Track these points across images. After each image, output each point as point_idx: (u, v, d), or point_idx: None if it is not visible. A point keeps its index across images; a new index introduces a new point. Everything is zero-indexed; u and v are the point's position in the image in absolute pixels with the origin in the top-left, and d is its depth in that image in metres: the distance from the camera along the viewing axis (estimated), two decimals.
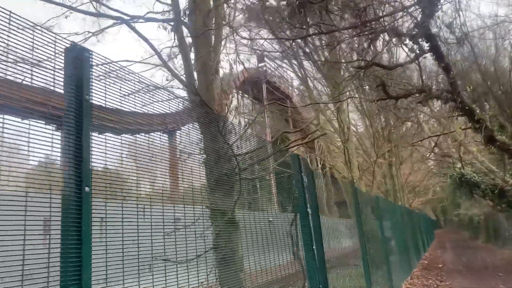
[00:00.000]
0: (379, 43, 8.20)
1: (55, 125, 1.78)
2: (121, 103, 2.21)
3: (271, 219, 4.55)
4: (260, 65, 37.89)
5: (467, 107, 6.47)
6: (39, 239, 1.57)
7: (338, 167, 14.78)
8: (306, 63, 16.45)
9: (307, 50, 13.75)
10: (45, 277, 1.47)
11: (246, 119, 38.16)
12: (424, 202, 39.80)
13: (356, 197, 6.81)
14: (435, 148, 17.83)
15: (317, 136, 13.37)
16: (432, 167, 25.51)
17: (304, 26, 7.21)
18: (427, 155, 21.26)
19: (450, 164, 18.83)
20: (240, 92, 36.31)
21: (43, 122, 1.72)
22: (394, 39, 6.78)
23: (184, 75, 5.80)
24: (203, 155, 5.00)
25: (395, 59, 14.42)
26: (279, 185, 4.50)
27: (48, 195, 1.56)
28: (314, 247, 3.69)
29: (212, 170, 4.86)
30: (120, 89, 2.17)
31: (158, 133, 3.31)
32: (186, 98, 5.70)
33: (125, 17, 6.70)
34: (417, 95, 6.80)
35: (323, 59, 14.95)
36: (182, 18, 6.28)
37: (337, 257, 5.50)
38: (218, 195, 4.75)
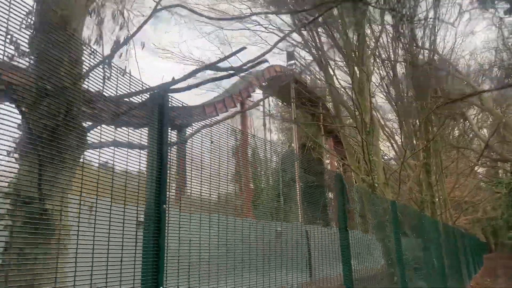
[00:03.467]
0: None
1: None
2: None
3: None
4: (289, 63, 35.42)
5: None
6: None
7: (358, 168, 11.88)
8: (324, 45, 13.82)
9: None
10: None
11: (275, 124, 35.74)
12: (472, 222, 35.01)
13: (342, 194, 4.13)
14: (486, 149, 14.22)
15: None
16: (481, 176, 21.35)
17: None
18: (476, 161, 17.40)
19: (507, 171, 15.15)
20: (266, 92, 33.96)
21: None
22: None
23: None
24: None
25: None
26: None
27: None
28: None
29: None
30: None
31: None
32: None
33: None
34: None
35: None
36: None
37: None
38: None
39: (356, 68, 12.09)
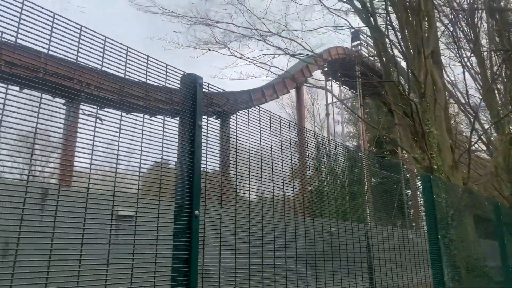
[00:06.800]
0: None
1: None
2: None
3: None
4: (354, 43, 31.82)
5: None
6: None
7: (408, 144, 8.93)
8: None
9: None
10: None
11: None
12: None
13: None
14: None
15: None
16: None
17: None
18: None
19: None
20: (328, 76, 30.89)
21: None
22: None
23: None
24: None
25: None
26: None
27: None
28: None
29: None
30: None
31: None
32: None
33: None
34: None
35: None
36: None
37: None
38: None
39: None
